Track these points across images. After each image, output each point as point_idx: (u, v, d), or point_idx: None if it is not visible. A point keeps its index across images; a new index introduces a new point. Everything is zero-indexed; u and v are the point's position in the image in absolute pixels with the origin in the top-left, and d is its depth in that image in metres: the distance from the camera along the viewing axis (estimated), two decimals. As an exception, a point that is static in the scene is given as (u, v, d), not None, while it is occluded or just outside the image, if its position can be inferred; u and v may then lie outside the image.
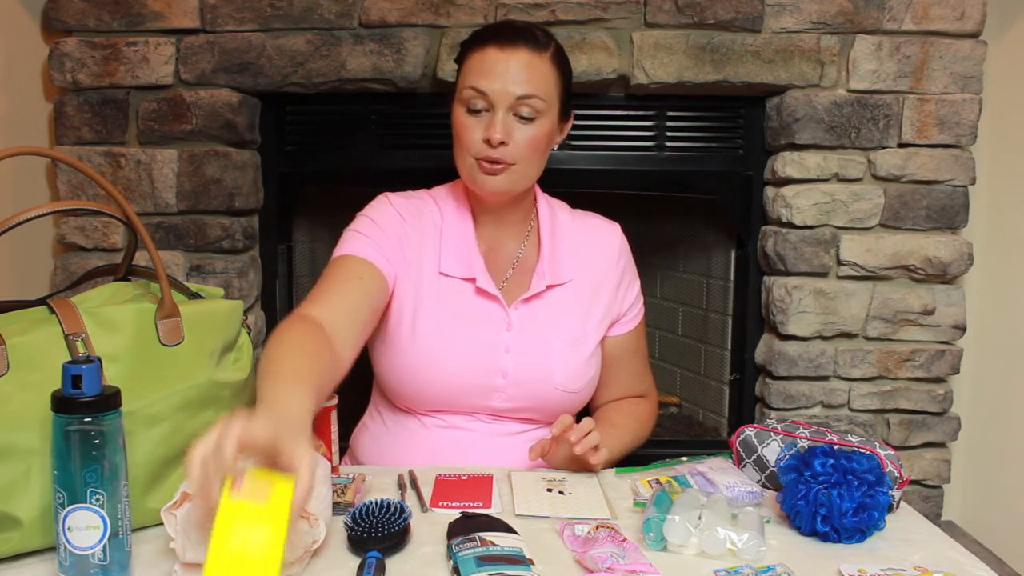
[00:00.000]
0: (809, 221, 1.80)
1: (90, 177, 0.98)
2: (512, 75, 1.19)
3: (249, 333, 1.15)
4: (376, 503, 0.95)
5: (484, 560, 0.85)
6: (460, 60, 1.27)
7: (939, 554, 0.96)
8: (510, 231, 1.33)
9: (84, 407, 0.80)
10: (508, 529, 0.94)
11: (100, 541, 0.81)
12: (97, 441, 0.81)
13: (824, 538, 0.98)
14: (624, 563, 0.86)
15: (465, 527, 0.94)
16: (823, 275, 1.82)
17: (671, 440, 2.03)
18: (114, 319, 0.97)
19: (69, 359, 0.83)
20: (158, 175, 1.77)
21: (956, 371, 1.85)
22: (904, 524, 1.05)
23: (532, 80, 1.20)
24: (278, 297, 1.94)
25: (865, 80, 1.77)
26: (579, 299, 1.31)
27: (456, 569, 0.85)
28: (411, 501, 1.07)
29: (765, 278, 1.89)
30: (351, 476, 1.10)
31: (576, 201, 1.42)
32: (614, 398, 1.41)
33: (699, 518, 0.94)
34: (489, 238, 1.32)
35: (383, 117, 1.84)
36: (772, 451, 1.13)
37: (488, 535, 0.91)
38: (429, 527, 0.98)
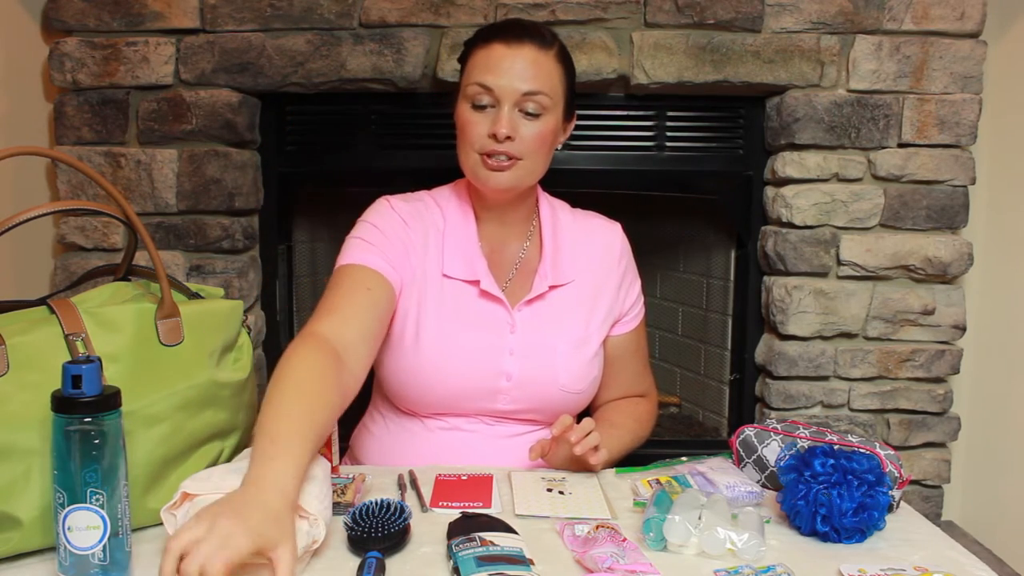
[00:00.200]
0: (809, 221, 1.80)
1: (90, 177, 0.98)
2: (518, 71, 1.19)
3: (249, 333, 1.15)
4: (376, 503, 0.95)
5: (484, 560, 0.85)
6: (464, 58, 1.27)
7: (939, 554, 0.96)
8: (512, 232, 1.33)
9: (84, 407, 0.80)
10: (508, 529, 0.94)
11: (100, 541, 0.81)
12: (97, 441, 0.81)
13: (824, 538, 0.97)
14: (624, 563, 0.86)
15: (465, 527, 0.94)
16: (823, 275, 1.82)
17: (671, 440, 2.03)
18: (114, 319, 0.97)
19: (69, 359, 0.83)
20: (158, 175, 1.77)
21: (956, 371, 1.85)
22: (904, 524, 1.05)
23: (538, 76, 1.20)
24: (278, 297, 1.94)
25: (865, 80, 1.77)
26: (581, 299, 1.31)
27: (456, 569, 0.85)
28: (411, 501, 1.07)
29: (765, 278, 1.89)
30: (351, 476, 1.10)
31: (576, 201, 1.42)
32: (614, 398, 1.41)
33: (699, 518, 0.94)
34: (491, 239, 1.32)
35: (383, 117, 1.84)
36: (772, 451, 1.13)
37: (488, 535, 0.91)
38: (429, 527, 0.98)
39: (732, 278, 1.99)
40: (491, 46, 1.22)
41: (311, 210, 2.06)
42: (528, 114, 1.21)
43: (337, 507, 1.00)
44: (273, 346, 1.92)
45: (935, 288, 1.82)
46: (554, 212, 1.36)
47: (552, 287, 1.29)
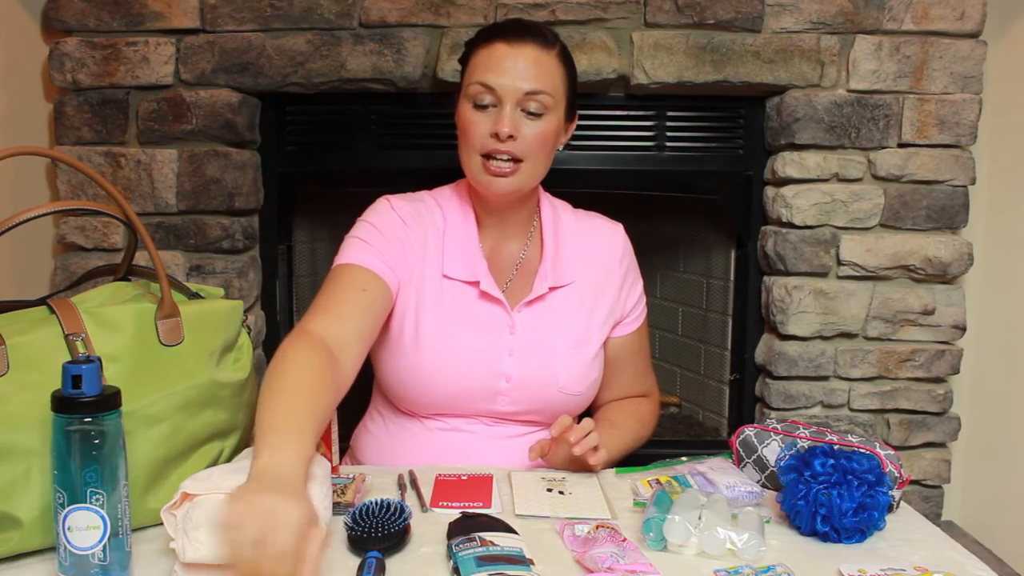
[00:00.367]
0: (809, 221, 1.80)
1: (90, 177, 0.98)
2: (520, 70, 1.19)
3: (249, 333, 1.15)
4: (376, 503, 0.95)
5: (484, 560, 0.85)
6: (466, 58, 1.27)
7: (939, 554, 0.96)
8: (513, 232, 1.33)
9: (84, 407, 0.80)
10: (508, 529, 0.94)
11: (100, 541, 0.81)
12: (97, 441, 0.81)
13: (824, 538, 0.98)
14: (624, 563, 0.86)
15: (465, 527, 0.94)
16: (823, 275, 1.82)
17: (671, 440, 2.03)
18: (114, 319, 0.97)
19: (69, 359, 0.83)
20: (158, 175, 1.77)
21: (956, 371, 1.85)
22: (904, 524, 1.05)
23: (540, 76, 1.20)
24: (278, 297, 1.94)
25: (865, 80, 1.77)
26: (582, 301, 1.31)
27: (456, 569, 0.85)
28: (411, 501, 1.07)
29: (765, 278, 1.89)
30: (351, 476, 1.10)
31: (577, 201, 1.42)
32: (616, 398, 1.41)
33: (699, 518, 0.94)
34: (492, 240, 1.32)
35: (383, 117, 1.84)
36: (772, 451, 1.13)
37: (488, 535, 0.91)
38: (429, 527, 0.98)
39: (732, 278, 1.99)
40: (493, 46, 1.22)
41: (311, 210, 2.06)
42: (530, 114, 1.21)
43: (337, 507, 1.00)
44: (273, 346, 1.91)
45: (935, 288, 1.82)
46: (555, 213, 1.36)
47: (552, 288, 1.29)
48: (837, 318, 1.82)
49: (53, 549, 0.84)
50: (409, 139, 1.85)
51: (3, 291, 1.69)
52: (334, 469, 1.14)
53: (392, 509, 0.94)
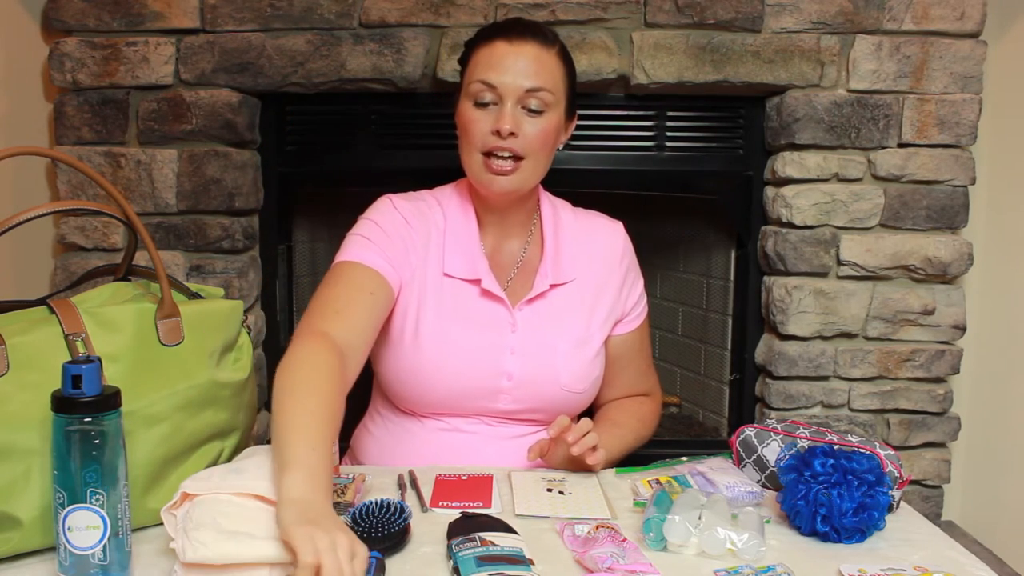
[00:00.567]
0: (809, 221, 1.80)
1: (90, 177, 0.98)
2: (521, 68, 1.20)
3: (249, 333, 1.15)
4: (376, 503, 0.95)
5: (484, 560, 0.85)
6: (466, 58, 1.27)
7: (939, 554, 0.96)
8: (514, 231, 1.33)
9: (84, 407, 0.80)
10: (508, 529, 0.94)
11: (100, 541, 0.81)
12: (97, 441, 0.81)
13: (824, 538, 0.97)
14: (624, 563, 0.86)
15: (465, 527, 0.94)
16: (823, 275, 1.82)
17: (671, 440, 2.03)
18: (114, 319, 0.97)
19: (69, 359, 0.83)
20: (158, 175, 1.77)
21: (956, 371, 1.85)
22: (904, 524, 1.05)
23: (541, 73, 1.21)
24: (278, 297, 1.94)
25: (865, 80, 1.77)
26: (583, 298, 1.31)
27: (456, 569, 0.85)
28: (411, 501, 1.07)
29: (765, 278, 1.89)
30: (351, 476, 1.10)
31: (577, 201, 1.42)
32: (618, 397, 1.41)
33: (699, 518, 0.94)
34: (493, 238, 1.32)
35: (383, 117, 1.84)
36: (772, 451, 1.13)
37: (488, 535, 0.91)
38: (429, 527, 0.98)
39: (732, 278, 1.99)
40: (493, 44, 1.22)
41: (311, 210, 2.06)
42: (531, 111, 1.21)
43: (337, 507, 1.00)
44: (273, 346, 1.92)
45: (935, 288, 1.82)
46: (555, 211, 1.36)
47: (553, 285, 1.29)
48: (837, 318, 1.82)
49: (53, 549, 0.84)
50: (409, 139, 1.85)
51: (3, 291, 1.69)
52: (334, 469, 1.14)
53: (392, 509, 0.94)
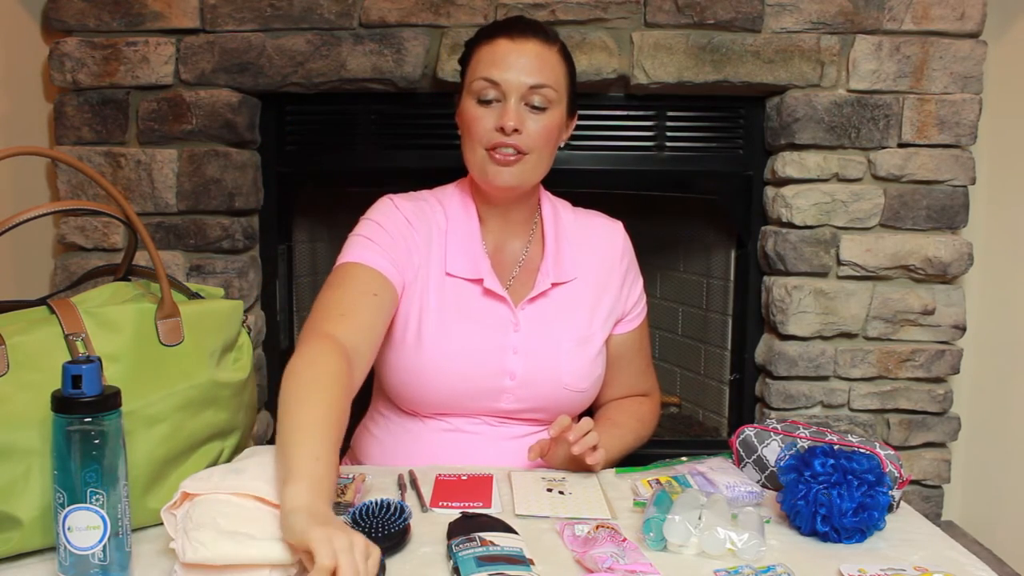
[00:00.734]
0: (809, 221, 1.80)
1: (90, 177, 0.98)
2: (524, 65, 1.21)
3: (249, 333, 1.15)
4: (376, 503, 0.95)
5: (484, 560, 0.85)
6: (467, 56, 1.28)
7: (939, 554, 0.96)
8: (515, 230, 1.33)
9: (84, 407, 0.80)
10: (508, 529, 0.94)
11: (100, 541, 0.81)
12: (97, 441, 0.81)
13: (824, 538, 0.98)
14: (624, 563, 0.86)
15: (465, 527, 0.94)
16: (823, 275, 1.82)
17: (671, 440, 2.03)
18: (114, 319, 0.97)
19: (69, 359, 0.83)
20: (158, 175, 1.77)
21: (956, 371, 1.85)
22: (904, 524, 1.05)
23: (543, 70, 1.22)
24: (278, 297, 1.94)
25: (865, 80, 1.77)
26: (585, 297, 1.31)
27: (456, 569, 0.85)
28: (411, 501, 1.07)
29: (765, 278, 1.89)
30: (351, 476, 1.10)
31: (576, 201, 1.42)
32: (617, 396, 1.41)
33: (699, 518, 0.94)
34: (495, 238, 1.32)
35: (383, 117, 1.84)
36: (772, 451, 1.13)
37: (488, 535, 0.91)
38: (429, 527, 0.98)
39: (732, 278, 1.99)
40: (496, 42, 1.23)
41: (311, 210, 2.06)
42: (534, 108, 1.22)
43: (337, 507, 1.00)
44: (273, 346, 1.92)
45: (935, 288, 1.82)
46: (556, 211, 1.36)
47: (555, 284, 1.30)
48: (837, 318, 1.82)
49: (53, 549, 0.84)
50: (409, 139, 1.85)
51: (3, 291, 1.69)
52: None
53: (392, 509, 0.94)
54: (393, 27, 1.74)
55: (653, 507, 0.97)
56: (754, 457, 1.15)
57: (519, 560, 0.86)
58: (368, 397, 1.40)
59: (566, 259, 1.31)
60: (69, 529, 0.81)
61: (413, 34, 1.74)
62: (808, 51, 1.76)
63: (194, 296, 1.10)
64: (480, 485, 1.11)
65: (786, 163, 1.79)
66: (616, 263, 1.36)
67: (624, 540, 0.92)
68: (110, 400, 0.82)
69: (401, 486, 1.12)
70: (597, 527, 0.94)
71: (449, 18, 1.73)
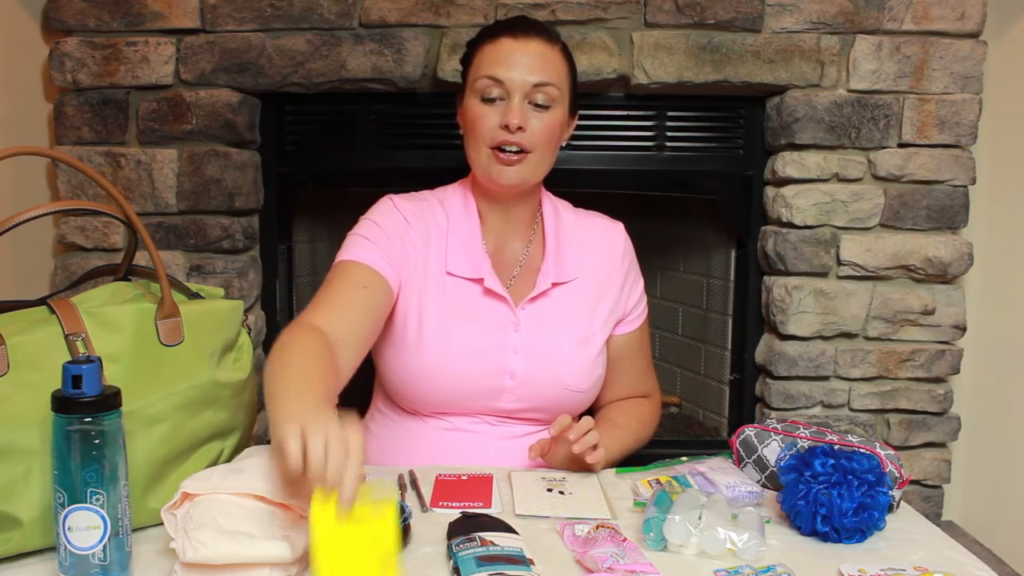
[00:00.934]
0: (809, 221, 1.80)
1: (90, 177, 0.98)
2: (527, 63, 1.22)
3: (249, 333, 1.15)
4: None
5: (484, 560, 0.85)
6: (469, 56, 1.28)
7: (939, 554, 0.96)
8: (516, 230, 1.33)
9: (84, 407, 0.80)
10: (508, 529, 0.94)
11: (100, 541, 0.81)
12: (97, 441, 0.80)
13: (824, 538, 0.97)
14: (624, 563, 0.86)
15: (465, 527, 0.94)
16: (823, 275, 1.82)
17: (671, 440, 2.03)
18: (114, 319, 0.97)
19: (69, 359, 0.83)
20: (158, 175, 1.77)
21: (956, 371, 1.85)
22: (904, 524, 1.05)
23: (546, 68, 1.22)
24: (278, 297, 1.94)
25: (865, 80, 1.77)
26: (585, 298, 1.31)
27: (456, 569, 0.85)
28: (411, 501, 1.07)
29: (765, 278, 1.89)
30: (351, 476, 1.10)
31: (577, 201, 1.42)
32: (618, 398, 1.41)
33: (699, 518, 0.94)
34: (496, 238, 1.32)
35: (383, 117, 1.84)
36: (772, 451, 1.13)
37: (488, 535, 0.91)
38: (429, 527, 0.98)
39: (732, 278, 1.99)
40: (499, 41, 1.24)
41: (311, 210, 2.06)
42: (537, 106, 1.23)
43: (337, 507, 1.00)
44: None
45: (935, 288, 1.82)
46: (557, 211, 1.36)
47: (555, 284, 1.30)
48: (837, 318, 1.82)
49: (53, 549, 0.84)
50: (409, 139, 1.85)
51: (3, 291, 1.69)
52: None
53: (392, 509, 0.94)
54: (393, 27, 1.74)
55: (653, 507, 0.97)
56: (754, 457, 1.15)
57: (519, 560, 0.86)
58: (368, 397, 1.41)
59: (567, 259, 1.31)
60: (69, 529, 0.81)
61: (413, 34, 1.74)
62: (808, 51, 1.76)
63: (194, 296, 1.10)
64: (480, 485, 1.11)
65: (786, 163, 1.79)
66: (617, 264, 1.36)
67: (624, 540, 0.92)
68: (110, 400, 0.82)
69: (401, 486, 1.12)
70: (597, 527, 0.94)
71: (449, 18, 1.73)
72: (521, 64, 1.21)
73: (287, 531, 0.84)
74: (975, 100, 1.78)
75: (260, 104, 1.84)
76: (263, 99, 1.83)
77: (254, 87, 1.77)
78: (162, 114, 1.76)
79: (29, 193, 1.79)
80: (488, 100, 1.23)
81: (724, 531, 0.92)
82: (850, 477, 0.96)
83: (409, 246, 1.27)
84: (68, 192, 1.77)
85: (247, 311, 1.73)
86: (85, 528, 0.81)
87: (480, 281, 1.27)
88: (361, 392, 1.40)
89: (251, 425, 1.16)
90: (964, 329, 1.83)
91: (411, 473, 1.16)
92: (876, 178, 1.80)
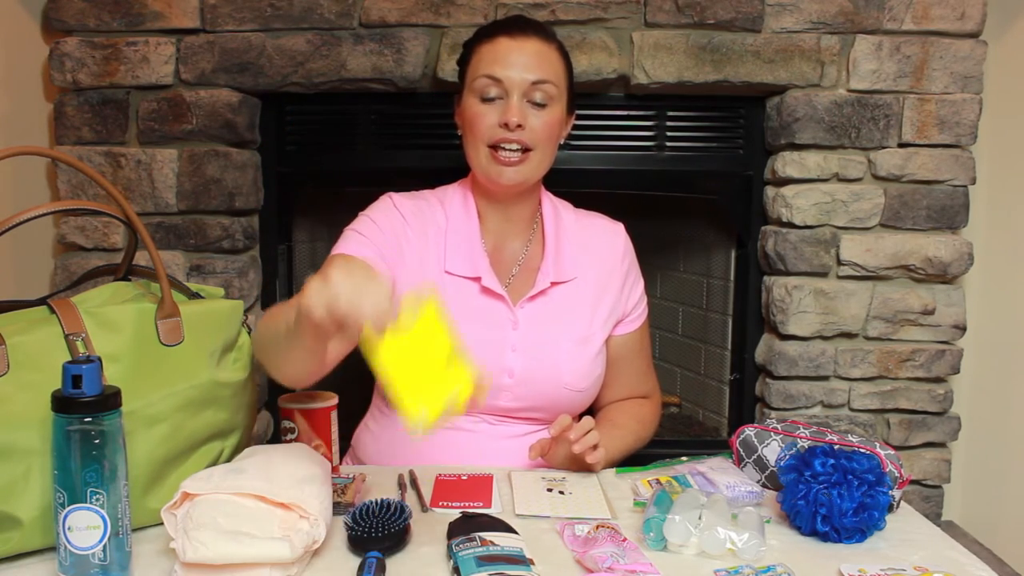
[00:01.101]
0: (809, 221, 1.80)
1: (90, 177, 0.98)
2: (525, 62, 1.22)
3: (249, 333, 1.15)
4: (376, 503, 0.95)
5: (484, 560, 0.85)
6: (466, 57, 1.29)
7: (939, 554, 0.96)
8: (515, 229, 1.33)
9: (84, 407, 0.80)
10: (508, 529, 0.94)
11: (100, 541, 0.81)
12: (97, 441, 0.81)
13: (824, 538, 0.98)
14: (624, 563, 0.86)
15: (465, 527, 0.94)
16: (823, 275, 1.82)
17: (671, 440, 2.03)
18: (114, 319, 0.97)
19: (69, 359, 0.83)
20: (158, 175, 1.77)
21: (956, 371, 1.85)
22: (904, 524, 1.05)
23: (544, 66, 1.23)
24: (278, 297, 1.94)
25: (865, 80, 1.77)
26: (584, 297, 1.32)
27: (456, 569, 0.85)
28: (411, 501, 1.07)
29: (765, 278, 1.89)
30: (351, 476, 1.10)
31: (576, 201, 1.42)
32: (618, 398, 1.41)
33: (699, 518, 0.94)
34: (495, 237, 1.32)
35: (383, 117, 1.84)
36: (772, 451, 1.13)
37: (488, 535, 0.91)
38: (429, 527, 0.98)
39: (732, 278, 1.99)
40: (496, 40, 1.24)
41: (311, 210, 2.06)
42: (536, 104, 1.23)
43: (337, 507, 1.00)
44: (273, 346, 1.91)
45: (935, 288, 1.82)
46: (557, 211, 1.36)
47: (554, 283, 1.30)
48: (837, 318, 1.82)
49: (53, 549, 0.84)
50: (409, 139, 1.85)
51: (3, 291, 1.69)
52: (334, 469, 1.14)
53: (392, 509, 0.94)
54: (393, 27, 1.74)
55: (653, 507, 0.97)
56: (754, 457, 1.15)
57: (519, 560, 0.86)
58: (368, 396, 1.41)
59: (566, 259, 1.31)
60: (69, 529, 0.81)
61: (413, 34, 1.74)
62: (808, 51, 1.76)
63: (194, 296, 1.10)
64: (480, 485, 1.12)
65: (786, 163, 1.79)
66: (617, 264, 1.36)
67: (624, 540, 0.92)
68: (110, 400, 0.82)
69: (401, 486, 1.13)
70: (597, 527, 0.94)
71: (449, 18, 1.73)
72: (519, 63, 1.22)
73: (287, 531, 0.84)
74: (975, 100, 1.78)
75: (260, 104, 1.83)
76: (263, 99, 1.83)
77: (254, 87, 1.77)
78: (162, 114, 1.76)
79: (29, 193, 1.79)
80: (487, 99, 1.23)
81: (724, 531, 0.92)
82: (850, 477, 0.96)
83: (404, 243, 1.27)
84: (68, 192, 1.77)
85: (247, 311, 1.73)
86: (85, 528, 0.81)
87: (478, 280, 1.27)
88: (361, 392, 1.40)
89: (251, 425, 1.17)
90: (964, 329, 1.83)
91: (411, 473, 1.16)
92: (876, 178, 1.80)
